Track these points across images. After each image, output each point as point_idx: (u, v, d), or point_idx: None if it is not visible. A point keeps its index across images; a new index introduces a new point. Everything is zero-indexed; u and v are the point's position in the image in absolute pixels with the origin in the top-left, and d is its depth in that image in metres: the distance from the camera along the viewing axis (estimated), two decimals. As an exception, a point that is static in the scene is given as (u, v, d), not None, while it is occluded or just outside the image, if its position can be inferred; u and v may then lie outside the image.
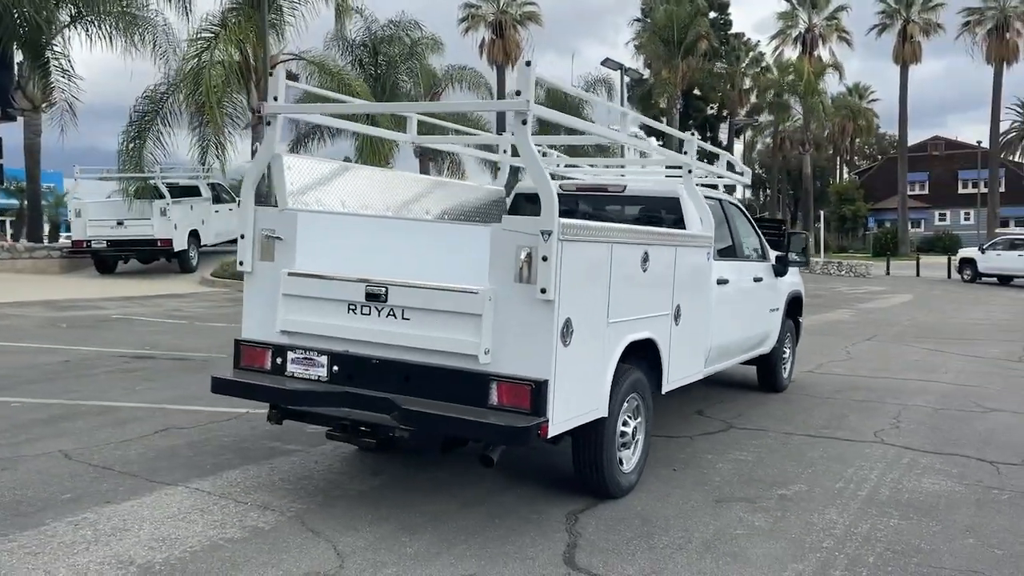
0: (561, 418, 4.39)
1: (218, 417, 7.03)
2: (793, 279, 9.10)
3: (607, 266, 4.75)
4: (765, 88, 51.02)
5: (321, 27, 42.19)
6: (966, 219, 62.00)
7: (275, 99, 4.95)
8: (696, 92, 57.73)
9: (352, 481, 5.43)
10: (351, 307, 4.78)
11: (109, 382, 8.53)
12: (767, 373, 8.86)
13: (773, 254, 8.44)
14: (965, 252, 35.84)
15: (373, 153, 19.66)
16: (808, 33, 54.13)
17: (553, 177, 8.08)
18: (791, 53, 54.68)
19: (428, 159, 31.73)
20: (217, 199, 23.71)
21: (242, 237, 5.16)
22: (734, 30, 59.95)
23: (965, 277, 34.55)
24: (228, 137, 21.39)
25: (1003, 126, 66.59)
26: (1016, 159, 64.51)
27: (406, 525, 4.66)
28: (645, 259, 5.20)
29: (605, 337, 4.80)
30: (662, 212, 6.74)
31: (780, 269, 8.38)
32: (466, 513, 4.90)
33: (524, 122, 4.23)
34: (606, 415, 4.87)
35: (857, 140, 71.20)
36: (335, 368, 4.80)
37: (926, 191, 62.27)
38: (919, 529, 4.91)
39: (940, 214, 63.11)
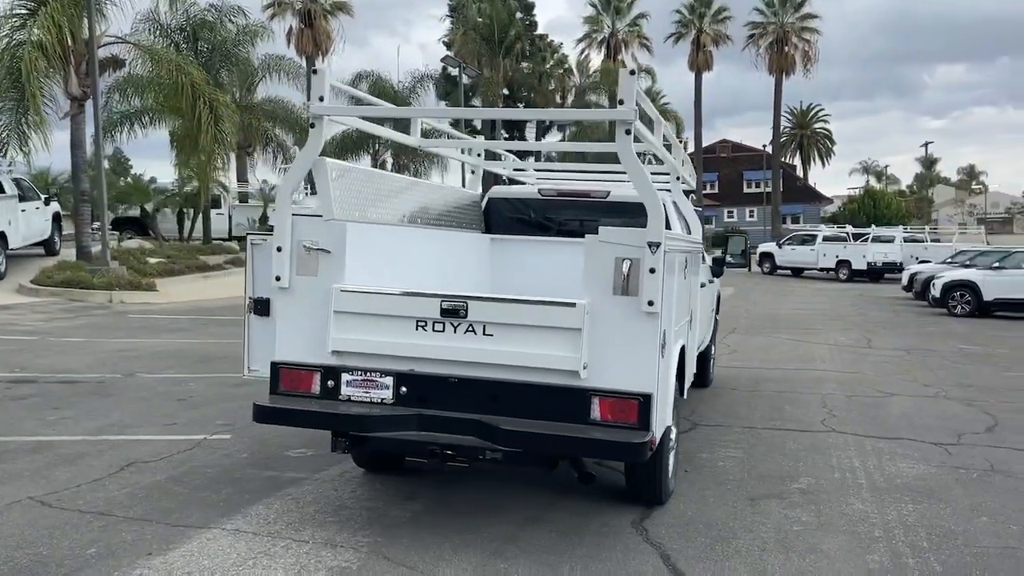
0: (657, 430, 4.41)
1: (178, 447, 6.39)
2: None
3: (675, 275, 4.82)
4: (584, 90, 52.99)
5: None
6: (751, 216, 67.69)
7: (320, 99, 4.58)
8: (504, 91, 58.99)
9: (392, 507, 5.14)
10: (421, 324, 4.53)
11: (9, 413, 7.48)
12: (702, 371, 9.28)
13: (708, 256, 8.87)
14: (765, 247, 39.12)
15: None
16: (612, 38, 56.81)
17: (512, 182, 8.03)
18: (597, 57, 57.23)
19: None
20: (23, 197, 21.26)
21: (279, 250, 4.73)
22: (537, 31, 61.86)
23: (764, 270, 37.79)
24: (34, 127, 19.18)
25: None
26: (789, 161, 71.31)
27: (490, 550, 4.49)
28: (684, 266, 5.32)
29: (674, 346, 4.87)
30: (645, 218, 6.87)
31: (717, 270, 8.80)
32: (536, 532, 4.79)
33: (628, 131, 4.20)
34: (672, 424, 4.94)
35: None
36: (403, 389, 4.53)
37: (716, 190, 67.32)
38: (936, 512, 5.38)
39: (728, 212, 68.51)
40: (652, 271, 4.19)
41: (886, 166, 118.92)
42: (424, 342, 4.53)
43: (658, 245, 4.18)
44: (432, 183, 6.60)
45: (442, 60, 34.92)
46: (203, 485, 5.49)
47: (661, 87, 52.16)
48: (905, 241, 35.47)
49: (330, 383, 4.65)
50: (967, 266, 21.79)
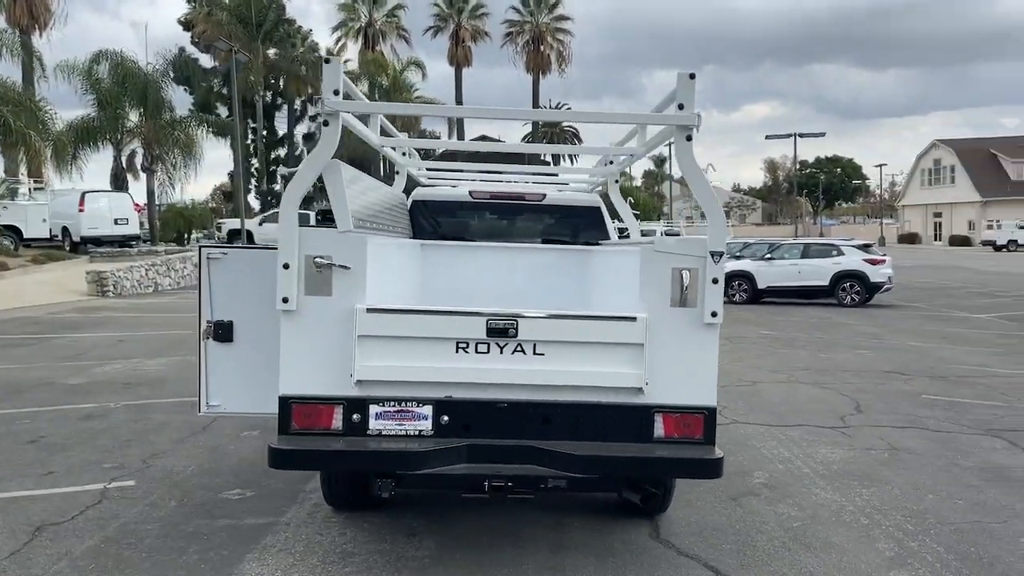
0: None
1: (80, 501, 5.44)
2: None
3: None
4: (357, 78, 51.57)
5: None
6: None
7: (335, 93, 4.05)
8: (251, 78, 56.22)
9: (403, 547, 4.71)
10: (462, 345, 4.17)
11: None
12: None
13: None
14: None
15: None
16: (370, 28, 56.09)
17: (419, 184, 7.66)
18: (354, 46, 56.23)
19: None
20: None
21: (286, 267, 4.14)
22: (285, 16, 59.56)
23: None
24: None
25: (529, 127, 76.42)
26: (545, 158, 74.55)
27: (544, 583, 4.25)
28: None
29: None
30: (582, 222, 6.84)
31: None
32: (576, 558, 4.60)
33: (689, 138, 4.13)
34: None
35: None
36: (444, 418, 4.15)
37: (476, 185, 69.02)
38: (890, 495, 5.86)
39: (488, 206, 70.55)
40: (715, 281, 4.15)
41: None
42: (466, 365, 4.17)
43: (721, 255, 4.15)
44: (375, 182, 6.10)
45: (198, 40, 32.29)
46: (158, 545, 4.70)
47: (415, 80, 51.91)
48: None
49: (355, 417, 4.15)
50: (737, 257, 24.06)
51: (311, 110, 71.75)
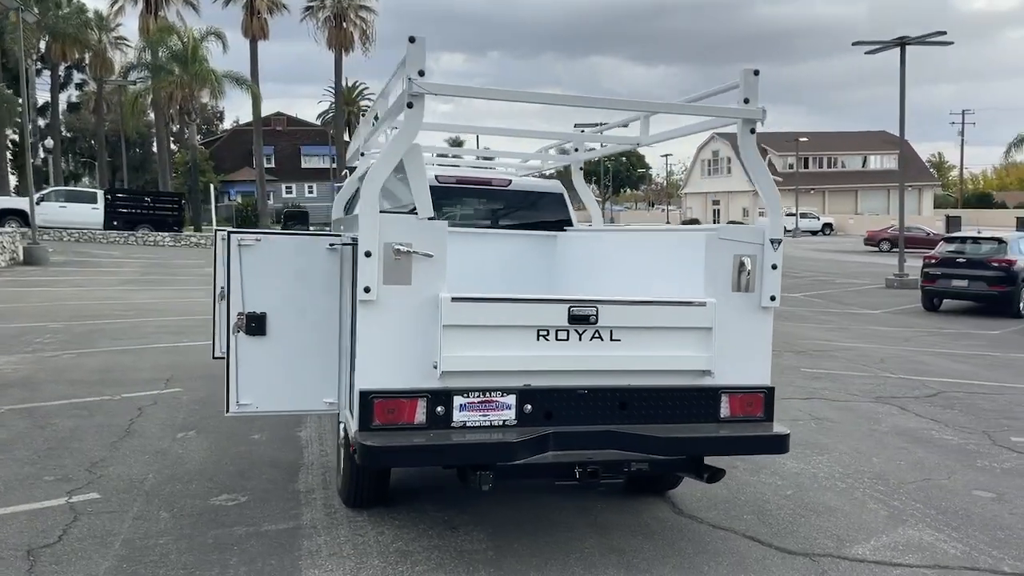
0: None
1: (51, 518, 4.88)
2: None
3: None
4: (142, 49, 47.52)
5: None
6: (310, 192, 67.94)
7: (421, 74, 3.91)
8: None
9: (455, 541, 4.62)
10: (542, 333, 4.18)
11: None
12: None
13: None
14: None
15: None
16: (151, -8, 52.24)
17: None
18: (133, 10, 52.15)
19: None
20: None
21: (367, 255, 3.95)
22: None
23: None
24: None
25: (324, 105, 74.71)
26: (346, 139, 72.89)
27: (620, 564, 4.37)
28: None
29: None
30: (547, 207, 6.93)
31: None
32: (627, 539, 4.75)
33: (753, 131, 4.37)
34: None
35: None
36: (527, 407, 4.15)
37: (273, 164, 66.16)
38: (857, 463, 6.48)
39: (287, 187, 67.83)
40: (774, 267, 4.43)
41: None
42: (547, 353, 4.19)
43: (779, 242, 4.43)
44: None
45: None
46: (191, 561, 4.32)
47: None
48: None
49: (440, 410, 4.05)
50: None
51: (77, 77, 65.92)
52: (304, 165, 68.61)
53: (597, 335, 4.24)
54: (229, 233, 4.49)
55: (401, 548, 4.52)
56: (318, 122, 74.19)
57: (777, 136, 60.43)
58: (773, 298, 4.45)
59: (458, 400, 4.07)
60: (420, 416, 4.04)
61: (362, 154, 6.48)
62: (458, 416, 4.07)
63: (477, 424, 4.09)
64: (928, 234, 37.89)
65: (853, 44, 21.84)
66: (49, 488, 5.39)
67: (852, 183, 67.24)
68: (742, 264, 4.42)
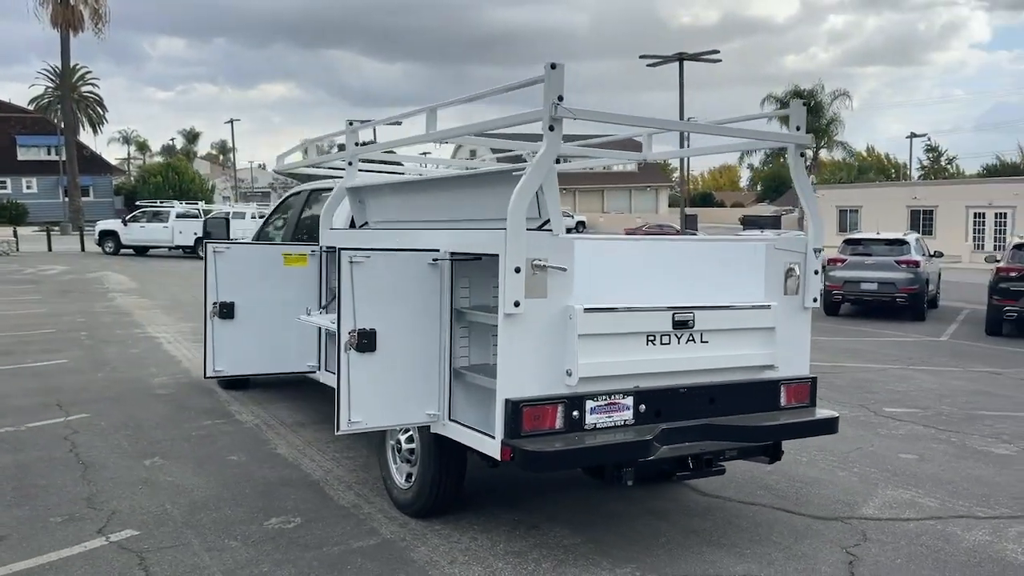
0: None
1: (104, 563, 4.58)
2: None
3: None
4: None
5: None
6: (29, 188, 61.41)
7: (560, 99, 4.22)
8: None
9: (548, 538, 4.93)
10: (651, 338, 4.64)
11: None
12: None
13: None
14: (106, 224, 36.84)
15: None
16: None
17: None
18: None
19: None
20: None
21: (517, 271, 4.19)
22: None
23: (107, 249, 35.67)
24: None
25: (38, 90, 68.04)
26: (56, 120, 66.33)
27: (721, 543, 4.92)
28: None
29: None
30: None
31: None
32: (709, 523, 5.30)
33: (802, 155, 5.10)
34: None
35: None
36: (641, 407, 4.59)
37: (-16, 155, 59.12)
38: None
39: (0, 182, 60.80)
40: (816, 272, 5.18)
41: (145, 139, 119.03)
42: (655, 356, 4.64)
43: (820, 250, 5.19)
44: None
45: None
46: (316, 584, 4.29)
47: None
48: (179, 217, 34.58)
49: (575, 414, 4.37)
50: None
51: None
52: (21, 157, 61.78)
53: (691, 338, 4.76)
54: (340, 249, 4.48)
55: (509, 549, 4.76)
56: (31, 107, 67.23)
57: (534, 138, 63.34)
58: (815, 300, 5.21)
59: (589, 404, 4.42)
60: (559, 421, 4.34)
61: (349, 163, 6.49)
62: (589, 419, 4.42)
63: (604, 426, 4.46)
64: (677, 230, 41.74)
65: (640, 57, 23.80)
66: (71, 530, 4.98)
67: (598, 183, 72.22)
68: (791, 270, 5.13)
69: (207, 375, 6.14)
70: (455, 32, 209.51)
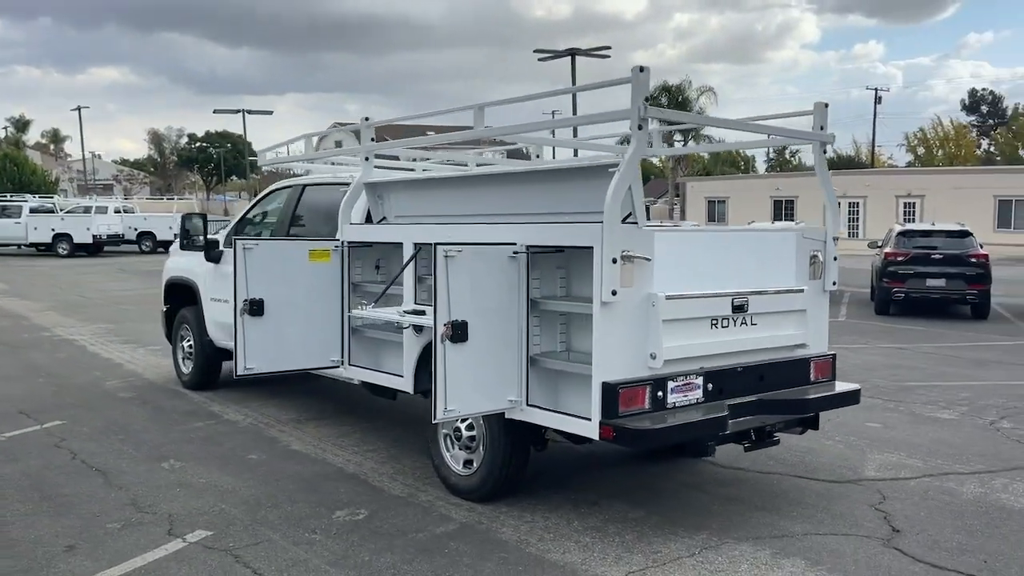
0: None
1: (207, 559, 4.60)
2: None
3: None
4: None
5: None
6: None
7: (646, 100, 4.57)
8: None
9: (616, 514, 5.27)
10: (714, 322, 5.07)
11: None
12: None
13: None
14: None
15: None
16: None
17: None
18: None
19: None
20: None
21: (614, 261, 4.52)
22: None
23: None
24: None
25: None
26: None
27: (788, 514, 5.42)
28: None
29: None
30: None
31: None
32: (725, 488, 5.78)
33: (824, 151, 5.66)
34: None
35: None
36: (709, 386, 5.01)
37: None
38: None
39: None
40: (835, 259, 5.76)
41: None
42: (718, 339, 5.07)
43: (837, 239, 5.77)
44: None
45: None
46: (420, 569, 4.47)
47: None
48: (32, 212, 33.73)
49: (659, 394, 4.74)
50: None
51: None
52: None
53: (745, 321, 5.22)
54: (436, 244, 4.65)
55: (586, 525, 5.08)
56: None
57: (407, 128, 63.10)
58: (834, 283, 5.78)
59: (670, 384, 4.80)
60: (647, 401, 4.69)
61: (366, 159, 6.59)
62: (670, 398, 4.80)
63: (682, 404, 4.85)
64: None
65: (534, 51, 24.35)
66: (137, 535, 4.92)
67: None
68: (814, 257, 5.69)
69: (238, 374, 6.08)
70: (304, 18, 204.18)
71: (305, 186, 7.64)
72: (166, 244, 35.15)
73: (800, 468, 6.31)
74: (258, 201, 8.34)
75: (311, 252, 6.29)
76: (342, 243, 6.41)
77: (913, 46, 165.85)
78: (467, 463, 5.53)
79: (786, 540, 4.89)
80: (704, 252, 5.22)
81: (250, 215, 8.35)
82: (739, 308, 5.14)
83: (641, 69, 4.55)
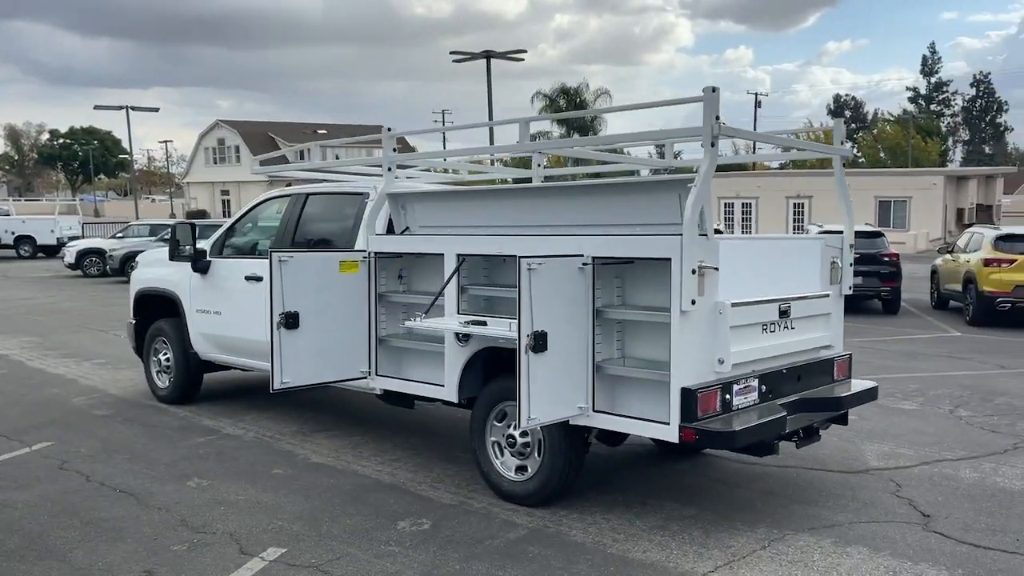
0: None
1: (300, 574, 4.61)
2: None
3: None
4: None
5: None
6: None
7: (717, 118, 4.85)
8: None
9: (669, 511, 5.54)
10: (765, 327, 5.41)
11: None
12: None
13: None
14: None
15: None
16: None
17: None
18: None
19: None
20: None
21: (693, 272, 4.78)
22: None
23: None
24: None
25: None
26: None
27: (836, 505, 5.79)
28: None
29: None
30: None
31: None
32: (758, 483, 6.14)
33: (844, 164, 6.10)
34: None
35: None
36: (763, 388, 5.35)
37: None
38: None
39: None
40: (851, 264, 6.20)
41: None
42: (768, 343, 5.40)
43: (853, 246, 6.22)
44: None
45: None
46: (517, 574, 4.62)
47: None
48: None
49: (727, 397, 5.03)
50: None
51: None
52: None
53: (786, 325, 5.58)
54: (520, 257, 4.78)
55: (649, 524, 5.32)
56: None
57: (295, 127, 61.95)
58: (851, 288, 6.22)
59: (735, 387, 5.10)
60: (718, 405, 4.98)
61: (388, 169, 6.62)
62: (735, 401, 5.10)
63: (743, 406, 5.16)
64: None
65: (450, 53, 24.45)
66: (211, 556, 4.85)
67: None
68: (834, 263, 6.12)
69: (274, 388, 6.01)
70: (172, 9, 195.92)
71: (308, 195, 7.58)
72: (48, 249, 33.49)
73: (810, 461, 6.74)
74: (248, 211, 8.19)
75: (341, 263, 6.29)
76: (369, 254, 6.43)
77: (779, 53, 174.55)
78: (520, 469, 5.68)
79: (837, 529, 5.27)
80: (748, 260, 5.56)
81: (238, 226, 8.19)
82: (784, 313, 5.50)
83: (713, 89, 4.83)
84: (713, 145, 4.84)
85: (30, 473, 6.39)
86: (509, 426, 5.70)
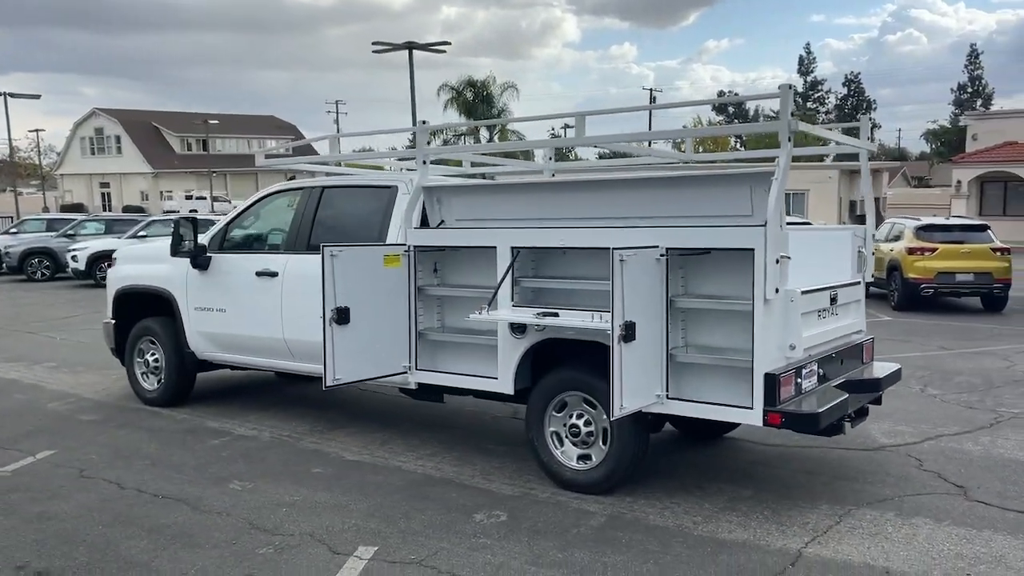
0: None
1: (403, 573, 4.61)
2: None
3: None
4: None
5: None
6: None
7: (792, 115, 5.09)
8: None
9: (731, 496, 5.76)
10: (819, 313, 5.71)
11: None
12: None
13: None
14: None
15: None
16: None
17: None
18: None
19: None
20: None
21: (776, 262, 5.01)
22: None
23: None
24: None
25: None
26: None
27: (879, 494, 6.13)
28: None
29: None
30: None
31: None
32: (769, 468, 6.44)
33: (870, 159, 6.46)
34: None
35: None
36: (821, 371, 5.64)
37: None
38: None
39: None
40: (872, 254, 6.59)
41: None
42: (822, 328, 5.70)
43: (874, 236, 6.60)
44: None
45: None
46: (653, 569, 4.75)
47: None
48: None
49: (799, 381, 5.29)
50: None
51: None
52: None
53: (832, 312, 5.90)
54: (613, 248, 4.88)
55: (717, 506, 5.53)
56: None
57: (181, 116, 59.67)
58: (873, 276, 6.61)
59: (804, 371, 5.36)
60: (792, 388, 5.23)
61: (424, 162, 6.60)
62: (804, 384, 5.37)
63: (808, 389, 5.43)
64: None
65: (373, 44, 24.15)
66: (304, 557, 4.77)
67: (252, 167, 69.58)
68: (860, 253, 6.49)
69: (327, 385, 5.90)
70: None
71: (325, 188, 7.43)
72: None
73: (829, 441, 7.08)
74: (250, 205, 7.97)
75: (385, 258, 6.25)
76: (409, 247, 6.40)
77: (661, 50, 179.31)
78: (583, 458, 5.80)
79: (892, 503, 5.62)
80: (798, 250, 5.84)
81: (241, 220, 7.96)
82: (833, 300, 5.81)
83: (790, 87, 5.06)
84: (789, 140, 5.07)
85: (53, 483, 6.08)
86: (571, 416, 5.81)
